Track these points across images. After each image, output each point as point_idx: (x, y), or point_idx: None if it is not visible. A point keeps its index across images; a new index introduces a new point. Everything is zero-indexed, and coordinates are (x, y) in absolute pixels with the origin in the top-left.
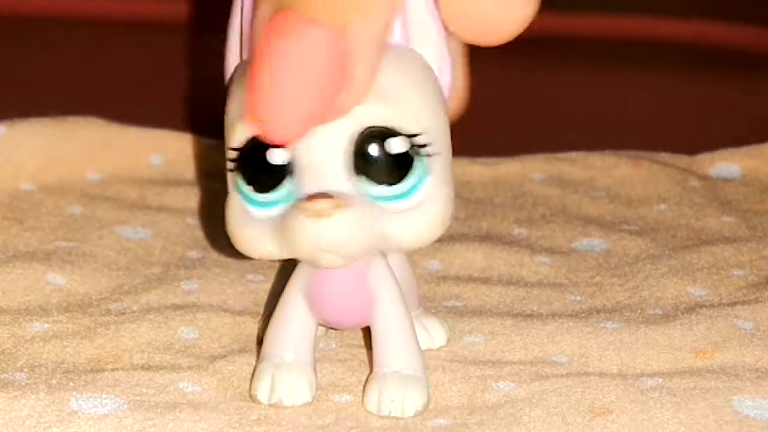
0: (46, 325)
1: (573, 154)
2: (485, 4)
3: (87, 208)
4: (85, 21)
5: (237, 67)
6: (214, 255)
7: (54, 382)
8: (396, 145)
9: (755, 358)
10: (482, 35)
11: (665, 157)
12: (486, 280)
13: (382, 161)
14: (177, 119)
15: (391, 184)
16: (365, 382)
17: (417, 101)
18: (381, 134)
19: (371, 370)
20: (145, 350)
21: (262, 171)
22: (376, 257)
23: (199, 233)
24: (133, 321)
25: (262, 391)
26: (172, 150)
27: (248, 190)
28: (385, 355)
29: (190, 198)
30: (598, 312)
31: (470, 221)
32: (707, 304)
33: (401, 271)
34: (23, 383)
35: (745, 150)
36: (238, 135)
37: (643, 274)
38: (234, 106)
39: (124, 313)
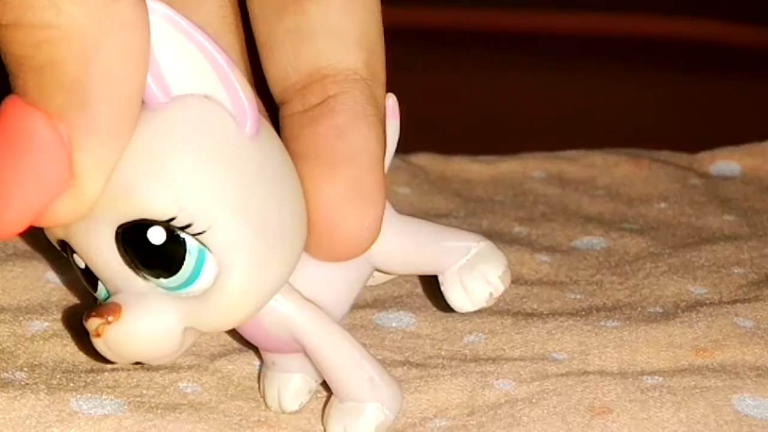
0: (46, 324)
1: (573, 153)
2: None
3: None
4: None
5: None
6: None
7: (54, 382)
8: (153, 236)
9: (756, 356)
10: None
11: (665, 155)
12: None
13: (149, 255)
14: None
15: (172, 273)
16: (323, 409)
17: (165, 180)
18: (137, 228)
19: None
20: None
21: (80, 272)
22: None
23: None
24: None
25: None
26: None
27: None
28: (333, 384)
29: None
30: (598, 310)
31: (470, 219)
32: (708, 302)
33: (324, 284)
34: (23, 383)
35: (745, 148)
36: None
37: (644, 272)
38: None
39: None
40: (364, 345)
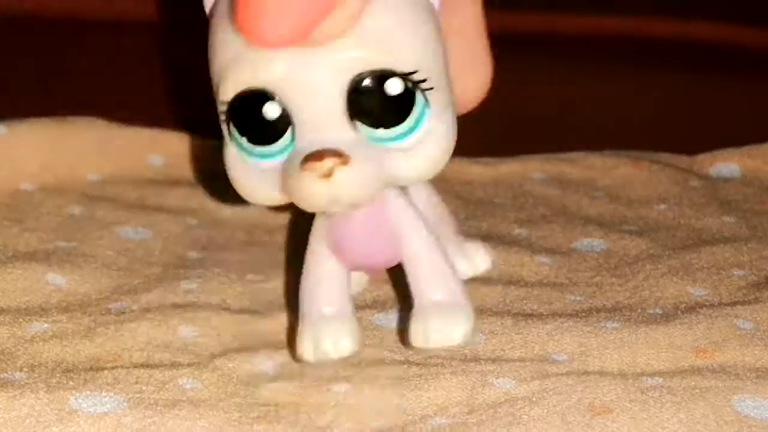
0: (45, 325)
1: (573, 155)
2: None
3: (87, 208)
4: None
5: (216, 6)
6: (214, 255)
7: (53, 381)
8: (393, 87)
9: (755, 357)
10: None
11: (665, 157)
12: (486, 280)
13: (380, 104)
14: (177, 119)
15: (392, 125)
16: (408, 319)
17: (409, 39)
18: (376, 77)
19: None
20: (144, 349)
21: (258, 124)
22: (393, 195)
23: (199, 233)
24: (133, 320)
25: (306, 351)
26: (172, 150)
27: (245, 142)
28: (420, 287)
29: (190, 198)
30: (598, 312)
31: (470, 221)
32: (707, 303)
33: (428, 203)
34: (23, 382)
35: (745, 150)
36: (228, 87)
37: (643, 274)
38: (221, 54)
39: (123, 313)
40: None
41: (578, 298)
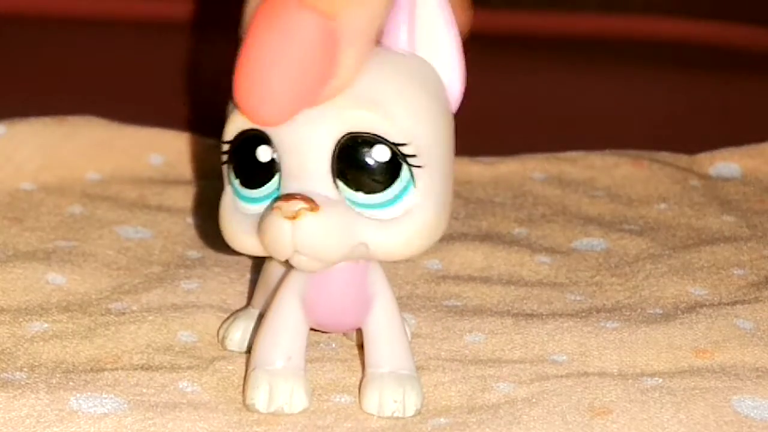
0: (45, 325)
1: (573, 154)
2: None
3: (87, 207)
4: (85, 21)
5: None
6: (214, 254)
7: (54, 381)
8: (378, 153)
9: (755, 357)
10: None
11: (665, 156)
12: (486, 280)
13: (363, 168)
14: (177, 119)
15: (372, 192)
16: (360, 385)
17: (407, 109)
18: (365, 140)
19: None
20: (144, 351)
21: (250, 167)
22: (373, 262)
23: (199, 232)
24: (133, 321)
25: (259, 400)
26: (172, 149)
27: (237, 184)
28: (380, 355)
29: (190, 197)
30: (598, 311)
31: (470, 220)
32: (707, 303)
33: None
34: (23, 383)
35: (745, 149)
36: (230, 128)
37: (643, 273)
38: (232, 99)
39: (124, 313)
40: None
41: (578, 298)
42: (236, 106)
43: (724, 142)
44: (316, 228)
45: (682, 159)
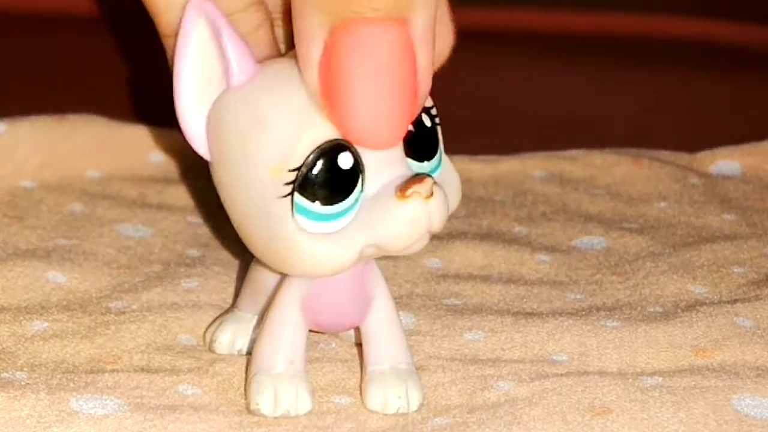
0: (46, 324)
1: (573, 152)
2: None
3: (87, 206)
4: (85, 19)
5: (233, 97)
6: (215, 253)
7: (54, 382)
8: (427, 120)
9: (755, 356)
10: None
11: (665, 154)
12: (486, 278)
13: (424, 137)
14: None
15: (430, 158)
16: (361, 383)
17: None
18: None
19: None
20: (145, 351)
21: (332, 180)
22: (372, 260)
23: (199, 231)
24: (134, 320)
25: (265, 404)
26: (172, 148)
27: (316, 206)
28: (380, 352)
29: (191, 196)
30: (598, 310)
31: (470, 219)
32: (707, 301)
33: None
34: (23, 383)
35: (745, 147)
36: (303, 146)
37: (644, 271)
38: (284, 121)
39: (124, 312)
40: None
41: (578, 297)
42: (348, 135)
43: (725, 140)
44: (444, 199)
45: (683, 157)
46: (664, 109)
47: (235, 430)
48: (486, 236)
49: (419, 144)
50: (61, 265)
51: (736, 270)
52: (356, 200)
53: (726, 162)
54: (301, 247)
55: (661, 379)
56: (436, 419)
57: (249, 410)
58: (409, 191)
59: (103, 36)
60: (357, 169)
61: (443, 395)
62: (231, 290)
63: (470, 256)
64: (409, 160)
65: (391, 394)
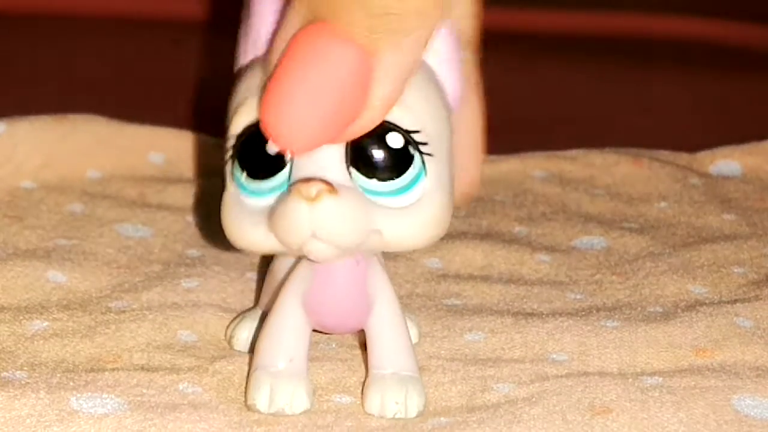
0: (46, 323)
1: (573, 152)
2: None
3: (87, 206)
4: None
5: (248, 64)
6: (214, 253)
7: (54, 381)
8: (393, 140)
9: (755, 356)
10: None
11: (665, 155)
12: (486, 278)
13: (378, 156)
14: (177, 117)
15: (386, 179)
16: (363, 386)
17: (418, 101)
18: (379, 128)
19: (367, 373)
20: (145, 350)
21: (258, 158)
22: (373, 260)
23: (199, 231)
24: (133, 320)
25: (261, 401)
26: (172, 148)
27: (243, 177)
28: (382, 356)
29: (190, 196)
30: (598, 310)
31: (470, 219)
32: (707, 302)
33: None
34: (23, 382)
35: (745, 147)
36: (239, 121)
37: (644, 272)
38: (239, 93)
39: (124, 312)
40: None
41: (578, 297)
42: (262, 125)
43: (725, 140)
44: (336, 210)
45: (683, 157)
46: (664, 109)
47: (235, 429)
48: (486, 236)
49: (366, 160)
50: (61, 265)
51: (736, 270)
52: (279, 186)
53: (726, 162)
54: (225, 214)
55: (661, 379)
56: (436, 418)
57: (246, 405)
58: (294, 188)
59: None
60: (284, 159)
61: (443, 395)
62: (231, 290)
63: (470, 256)
64: (357, 174)
65: (390, 398)
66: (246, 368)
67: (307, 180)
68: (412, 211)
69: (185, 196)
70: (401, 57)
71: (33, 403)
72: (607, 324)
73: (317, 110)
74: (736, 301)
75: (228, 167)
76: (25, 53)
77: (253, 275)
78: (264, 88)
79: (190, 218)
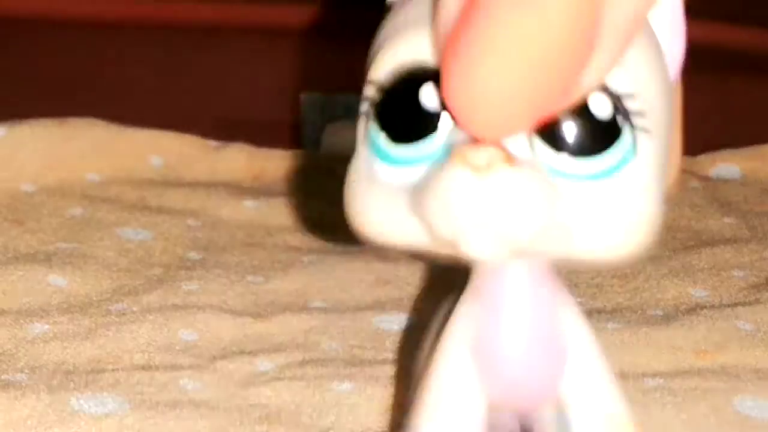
0: (46, 326)
1: None
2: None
3: (87, 209)
4: (84, 22)
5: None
6: (215, 256)
7: (55, 382)
8: (598, 105)
9: (756, 358)
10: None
11: None
12: None
13: (575, 122)
14: (177, 120)
15: (582, 155)
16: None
17: (639, 57)
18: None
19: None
20: (145, 350)
21: (408, 114)
22: (566, 300)
23: (199, 234)
24: (134, 322)
25: None
26: (172, 151)
27: (384, 139)
28: None
29: (190, 199)
30: (599, 313)
31: None
32: (708, 305)
33: None
34: (24, 384)
35: (745, 151)
36: (384, 62)
37: (644, 275)
38: (389, 25)
39: (124, 314)
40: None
41: (579, 300)
42: (447, 106)
43: (724, 143)
44: (514, 187)
45: (682, 160)
46: None
47: (236, 428)
48: None
49: (556, 127)
50: (62, 269)
51: (736, 273)
52: (435, 153)
53: (726, 165)
54: (355, 187)
55: (662, 380)
56: None
57: None
58: (457, 151)
59: (103, 40)
60: (440, 116)
61: None
62: (231, 293)
63: None
64: (542, 145)
65: None
66: (246, 367)
67: (475, 144)
68: (612, 205)
69: (185, 199)
70: (630, 3)
71: (34, 404)
72: (608, 326)
73: (525, 80)
74: (736, 304)
75: (361, 126)
76: (26, 55)
77: (253, 278)
78: (439, 35)
79: (190, 221)
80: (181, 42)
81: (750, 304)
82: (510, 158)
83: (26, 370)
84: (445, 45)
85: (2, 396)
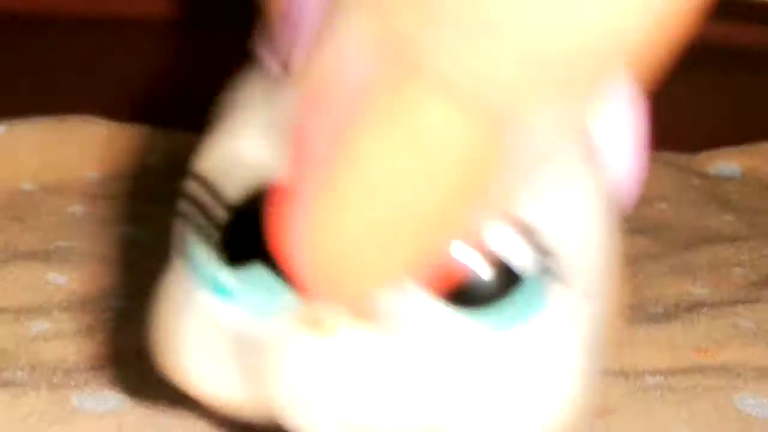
0: (47, 324)
1: None
2: None
3: (87, 207)
4: (84, 21)
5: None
6: None
7: (55, 380)
8: (491, 238)
9: (756, 357)
10: None
11: (665, 156)
12: None
13: (458, 263)
14: (176, 118)
15: (471, 304)
16: None
17: (550, 185)
18: None
19: None
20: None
21: (244, 236)
22: None
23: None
24: (134, 319)
25: None
26: (171, 148)
27: (213, 259)
28: None
29: None
30: None
31: None
32: (708, 302)
33: None
34: (24, 381)
35: (745, 149)
36: (214, 155)
37: (644, 273)
38: (230, 109)
39: (125, 311)
40: None
41: None
42: (274, 254)
43: (724, 141)
44: (371, 357)
45: (683, 158)
46: (665, 110)
47: (237, 426)
48: None
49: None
50: (62, 267)
51: (736, 271)
52: (273, 290)
53: (726, 163)
54: (166, 315)
55: (662, 378)
56: None
57: None
58: (298, 311)
59: (102, 37)
60: None
61: None
62: None
63: None
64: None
65: None
66: None
67: (320, 298)
68: (509, 374)
69: None
70: (547, 128)
71: (34, 402)
72: None
73: (394, 229)
74: (736, 302)
75: (178, 233)
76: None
77: None
78: (286, 153)
79: None
80: (183, 37)
81: (750, 301)
82: (361, 313)
83: (27, 368)
84: (289, 176)
85: (3, 394)
